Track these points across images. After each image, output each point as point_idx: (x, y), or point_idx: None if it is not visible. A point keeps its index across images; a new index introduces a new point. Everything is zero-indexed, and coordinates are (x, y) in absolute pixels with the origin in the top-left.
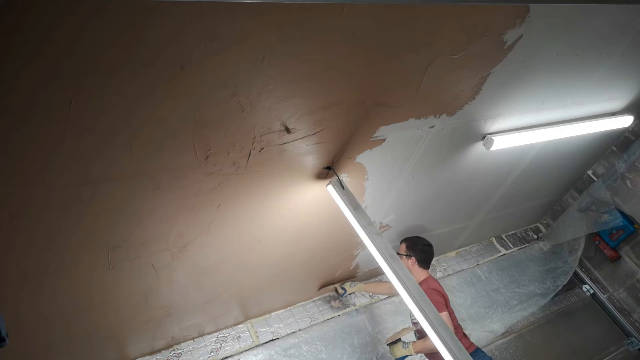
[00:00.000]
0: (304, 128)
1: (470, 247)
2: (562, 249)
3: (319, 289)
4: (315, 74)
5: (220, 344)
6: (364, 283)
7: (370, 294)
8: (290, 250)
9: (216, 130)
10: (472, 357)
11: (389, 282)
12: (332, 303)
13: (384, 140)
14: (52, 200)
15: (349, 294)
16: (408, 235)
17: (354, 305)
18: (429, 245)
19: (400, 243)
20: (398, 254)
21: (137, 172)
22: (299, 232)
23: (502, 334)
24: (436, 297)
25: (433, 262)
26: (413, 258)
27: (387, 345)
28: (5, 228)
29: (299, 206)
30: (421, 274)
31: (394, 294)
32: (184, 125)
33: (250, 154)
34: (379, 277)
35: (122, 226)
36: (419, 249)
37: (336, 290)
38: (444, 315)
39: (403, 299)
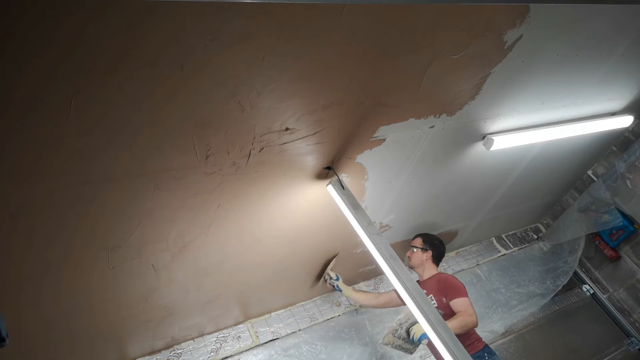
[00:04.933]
0: (304, 128)
1: (470, 247)
2: (562, 249)
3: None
4: (315, 74)
5: (220, 344)
6: (353, 289)
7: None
8: (291, 250)
9: (216, 130)
10: (481, 354)
11: (373, 293)
12: (323, 283)
13: (384, 140)
14: (52, 201)
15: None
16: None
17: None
18: (443, 244)
19: (415, 237)
20: (412, 246)
21: (137, 172)
22: (299, 232)
23: (502, 334)
24: (459, 283)
25: None
26: (429, 252)
27: (411, 327)
28: (5, 228)
29: (299, 206)
30: (433, 269)
31: (379, 305)
32: (184, 125)
33: (250, 154)
34: (378, 277)
35: (122, 226)
36: (436, 244)
37: (326, 275)
38: (467, 300)
39: (403, 299)
